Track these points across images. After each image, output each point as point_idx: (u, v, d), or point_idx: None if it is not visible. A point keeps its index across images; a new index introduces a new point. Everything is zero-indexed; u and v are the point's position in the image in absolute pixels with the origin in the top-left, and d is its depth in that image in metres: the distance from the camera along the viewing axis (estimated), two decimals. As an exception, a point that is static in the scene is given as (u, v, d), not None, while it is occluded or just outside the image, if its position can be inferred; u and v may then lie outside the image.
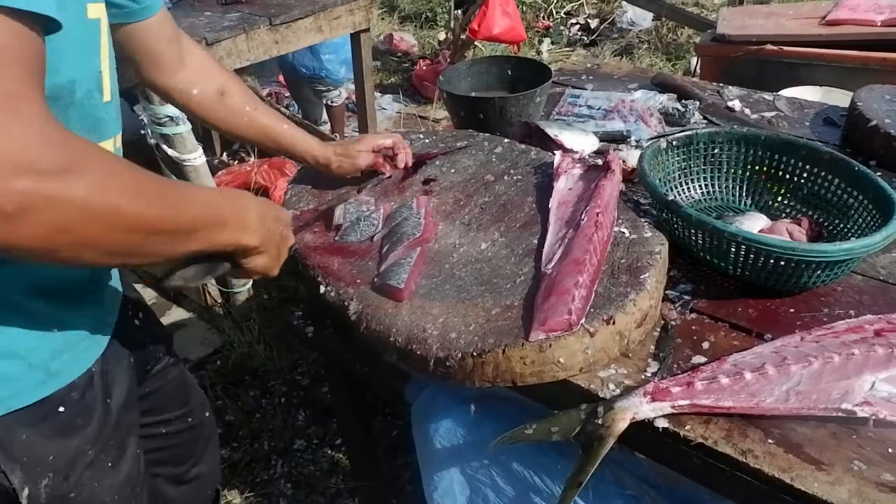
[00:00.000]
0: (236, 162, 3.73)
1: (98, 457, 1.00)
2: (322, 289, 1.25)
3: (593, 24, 5.63)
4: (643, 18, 5.51)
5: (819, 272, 1.14)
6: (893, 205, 1.19)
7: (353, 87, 4.02)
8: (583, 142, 1.61)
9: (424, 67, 4.58)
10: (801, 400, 0.97)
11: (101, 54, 0.90)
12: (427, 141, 1.62)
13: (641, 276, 1.11)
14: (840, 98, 2.21)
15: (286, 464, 2.14)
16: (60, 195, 0.62)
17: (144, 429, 1.22)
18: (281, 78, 4.07)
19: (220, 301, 2.62)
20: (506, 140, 1.57)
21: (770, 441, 0.95)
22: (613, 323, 1.05)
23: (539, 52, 5.16)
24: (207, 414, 1.44)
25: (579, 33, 5.60)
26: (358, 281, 1.23)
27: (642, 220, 1.26)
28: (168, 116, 2.13)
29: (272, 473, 2.11)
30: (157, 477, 1.32)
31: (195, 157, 2.23)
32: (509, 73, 1.90)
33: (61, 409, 0.94)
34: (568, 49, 5.35)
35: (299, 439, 2.21)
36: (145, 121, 2.19)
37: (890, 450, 0.94)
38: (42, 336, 0.91)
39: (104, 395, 1.01)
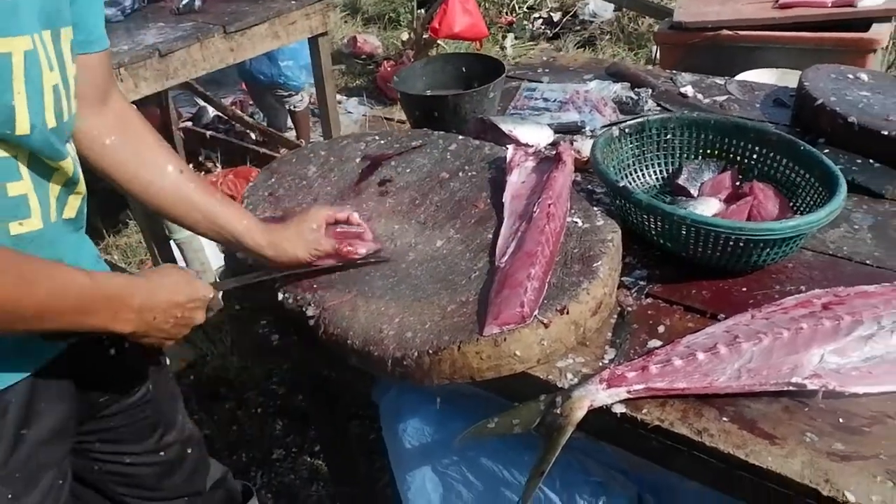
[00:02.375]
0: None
1: None
2: (280, 296, 1.24)
3: (556, 17, 5.66)
4: (604, 10, 5.55)
5: (768, 250, 1.16)
6: (837, 181, 1.21)
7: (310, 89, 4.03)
8: (537, 135, 1.62)
9: (389, 68, 4.58)
10: (752, 377, 0.99)
11: (13, 88, 0.86)
12: (382, 142, 1.62)
13: (594, 265, 1.12)
14: (794, 79, 2.24)
15: (265, 474, 2.14)
16: None
17: (102, 454, 1.24)
18: (244, 86, 4.05)
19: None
20: (460, 137, 1.58)
21: (725, 419, 0.97)
22: (567, 313, 1.06)
23: (503, 48, 5.17)
24: (190, 451, 1.39)
25: (542, 27, 5.62)
26: (315, 286, 1.23)
27: (595, 208, 1.28)
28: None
29: (252, 484, 2.09)
30: (125, 496, 1.32)
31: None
32: (464, 70, 1.91)
33: None
34: (532, 43, 5.38)
35: (278, 449, 2.21)
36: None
37: (840, 420, 0.96)
38: None
39: (18, 426, 0.99)
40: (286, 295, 1.23)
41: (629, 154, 1.47)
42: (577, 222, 1.24)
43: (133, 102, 2.22)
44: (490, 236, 1.26)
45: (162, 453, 1.33)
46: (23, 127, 0.88)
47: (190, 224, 1.19)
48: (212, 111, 4.14)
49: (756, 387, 0.98)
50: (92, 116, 1.07)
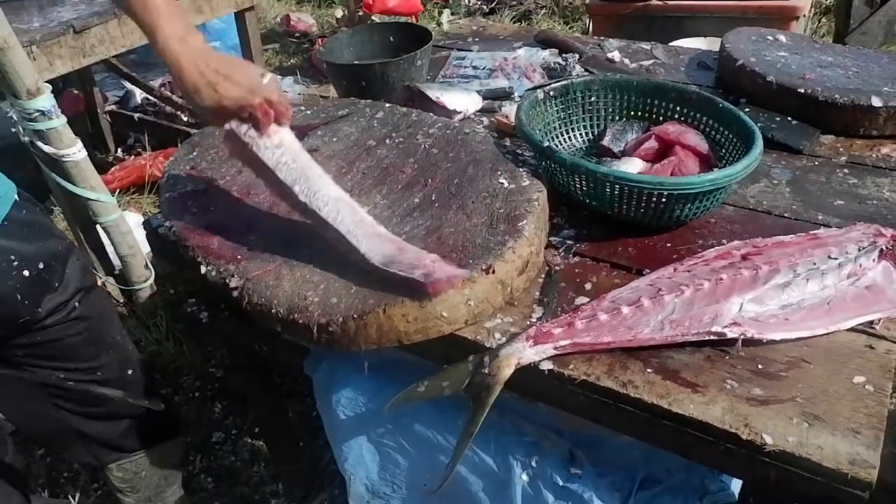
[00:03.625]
0: (131, 157, 3.58)
1: None
2: (203, 269, 1.21)
3: (492, -9, 5.63)
4: (540, -17, 5.53)
5: (689, 205, 1.18)
6: (754, 136, 1.23)
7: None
8: (465, 101, 1.61)
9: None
10: (675, 328, 1.00)
11: None
12: (308, 112, 1.58)
13: (519, 224, 1.12)
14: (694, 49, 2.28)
15: (205, 458, 2.09)
16: None
17: (36, 368, 1.29)
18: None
19: (121, 301, 2.52)
20: (387, 105, 1.55)
21: (649, 370, 0.98)
22: (493, 272, 1.05)
23: (439, 24, 5.12)
24: (130, 372, 1.44)
25: (478, 2, 5.58)
26: (238, 257, 1.19)
27: (521, 170, 1.27)
28: (38, 111, 2.00)
29: (191, 469, 2.05)
30: (61, 409, 1.37)
31: (74, 152, 2.10)
32: (391, 39, 1.87)
33: None
34: (468, 19, 5.33)
35: (217, 432, 2.16)
36: (14, 118, 2.05)
37: (759, 366, 0.98)
38: None
39: None
40: (209, 268, 1.19)
41: (555, 117, 1.47)
42: (503, 183, 1.23)
43: (56, 85, 2.12)
44: (417, 201, 1.24)
45: (98, 373, 1.36)
46: None
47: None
48: (139, 94, 3.98)
49: (679, 337, 1.00)
50: None
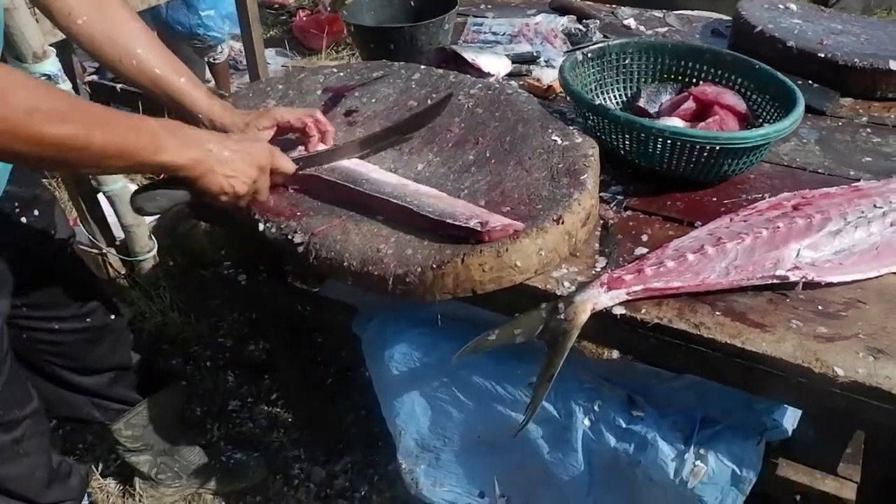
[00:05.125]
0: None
1: None
2: (261, 226, 1.21)
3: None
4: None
5: (738, 160, 1.23)
6: (794, 93, 1.28)
7: (234, 43, 3.85)
8: (497, 64, 1.63)
9: (305, 18, 4.42)
10: (739, 273, 1.05)
11: None
12: (342, 74, 1.58)
13: (581, 177, 1.15)
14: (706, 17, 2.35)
15: (222, 426, 2.09)
16: None
17: (31, 321, 1.34)
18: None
19: (123, 272, 2.48)
20: (422, 67, 1.56)
21: (717, 313, 1.03)
22: (563, 222, 1.08)
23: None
24: (113, 317, 1.50)
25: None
26: (298, 213, 1.20)
27: (570, 127, 1.30)
28: (45, 75, 1.95)
29: (209, 437, 2.05)
30: (53, 365, 1.43)
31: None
32: (412, 3, 1.88)
33: None
34: None
35: (232, 400, 2.16)
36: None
37: (819, 307, 1.03)
38: None
39: None
40: (268, 225, 1.20)
41: (591, 79, 1.50)
42: (556, 140, 1.26)
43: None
44: (471, 157, 1.27)
45: (88, 319, 1.43)
46: None
47: (151, 95, 1.26)
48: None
49: (743, 281, 1.05)
50: None
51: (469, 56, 1.58)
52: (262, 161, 1.09)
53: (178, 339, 2.36)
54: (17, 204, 1.26)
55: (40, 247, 1.32)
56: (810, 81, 1.60)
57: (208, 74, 3.70)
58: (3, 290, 1.20)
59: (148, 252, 2.45)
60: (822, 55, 1.60)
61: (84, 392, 1.51)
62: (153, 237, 2.48)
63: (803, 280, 1.04)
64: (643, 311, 1.04)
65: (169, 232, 2.65)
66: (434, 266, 1.04)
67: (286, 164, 1.15)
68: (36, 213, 1.30)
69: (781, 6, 1.89)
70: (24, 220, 1.28)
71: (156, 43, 1.24)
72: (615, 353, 1.98)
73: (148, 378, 1.62)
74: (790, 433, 1.12)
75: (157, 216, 1.08)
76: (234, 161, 1.04)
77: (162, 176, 1.03)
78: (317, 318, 1.52)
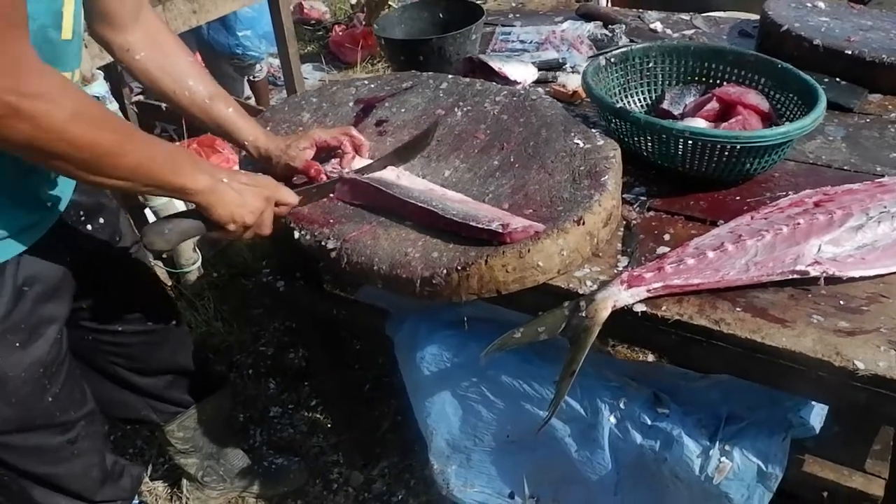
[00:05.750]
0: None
1: (3, 336, 1.14)
2: (296, 234, 1.26)
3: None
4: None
5: (760, 159, 1.24)
6: (817, 92, 1.29)
7: (273, 60, 3.96)
8: (523, 72, 1.67)
9: (340, 33, 4.53)
10: (759, 269, 1.06)
11: None
12: (372, 86, 1.64)
13: (602, 179, 1.18)
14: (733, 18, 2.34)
15: (264, 431, 2.15)
16: (35, 112, 0.85)
17: (96, 323, 1.40)
18: (198, 56, 3.95)
19: (170, 283, 2.58)
20: (450, 76, 1.61)
21: (738, 309, 1.04)
22: (584, 223, 1.11)
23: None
24: (174, 322, 1.56)
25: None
26: (331, 220, 1.25)
27: (593, 130, 1.33)
28: (94, 97, 2.06)
29: (251, 442, 2.12)
30: (115, 366, 1.49)
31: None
32: (440, 16, 1.93)
33: None
34: None
35: (274, 407, 2.22)
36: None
37: (841, 302, 1.04)
38: None
39: (18, 285, 1.14)
40: (303, 232, 1.25)
41: (615, 83, 1.52)
42: (578, 143, 1.29)
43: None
44: (496, 163, 1.30)
45: (149, 323, 1.49)
46: (66, 32, 1.02)
47: (200, 124, 1.34)
48: (163, 84, 4.04)
49: (764, 277, 1.06)
50: (125, 33, 1.23)
51: (495, 64, 1.62)
52: (269, 193, 1.16)
53: (222, 348, 2.44)
54: (82, 212, 1.32)
55: (105, 253, 1.38)
56: (837, 79, 1.60)
57: (248, 91, 3.82)
58: (64, 295, 1.25)
59: (193, 264, 2.54)
60: (850, 52, 1.59)
61: (142, 393, 1.57)
62: (197, 249, 2.57)
63: (824, 275, 1.05)
64: (664, 308, 1.06)
65: (212, 244, 2.75)
66: (459, 268, 1.08)
67: (290, 196, 1.21)
68: (101, 220, 1.36)
69: (809, 4, 1.88)
70: (89, 227, 1.33)
71: (205, 75, 1.33)
72: (650, 357, 1.99)
73: (200, 382, 1.68)
74: (817, 431, 1.12)
75: (166, 249, 1.12)
76: (245, 192, 1.11)
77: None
78: (352, 323, 1.56)
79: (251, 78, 3.69)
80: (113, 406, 1.55)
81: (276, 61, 3.83)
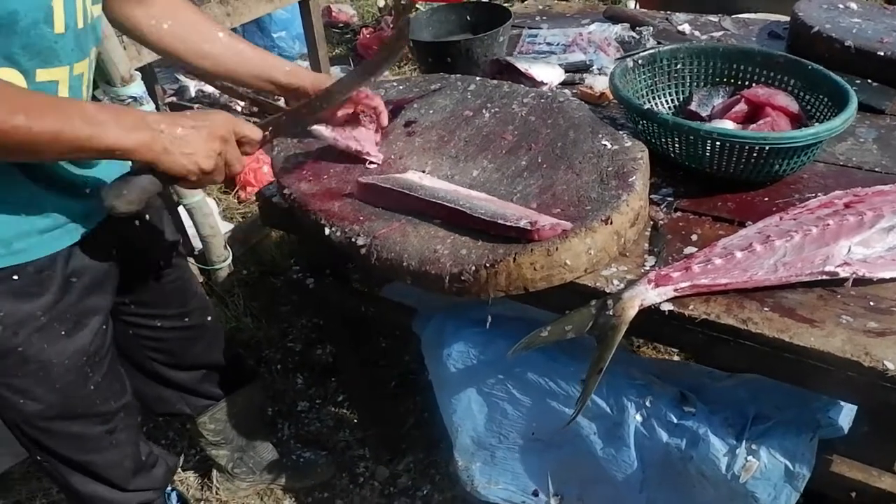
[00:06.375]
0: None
1: (51, 324, 1.17)
2: (327, 230, 1.28)
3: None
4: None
5: (788, 159, 1.24)
6: (847, 93, 1.29)
7: (302, 62, 4.01)
8: (550, 73, 1.68)
9: (368, 35, 4.57)
10: (788, 269, 1.07)
11: None
12: (401, 87, 1.66)
13: (630, 179, 1.19)
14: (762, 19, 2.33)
15: (292, 425, 2.19)
16: None
17: (137, 318, 1.45)
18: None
19: (201, 279, 2.63)
20: (477, 78, 1.62)
21: (766, 309, 1.05)
22: (611, 223, 1.12)
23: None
24: (209, 318, 1.61)
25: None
26: (361, 217, 1.27)
27: (620, 132, 1.34)
28: (131, 97, 2.11)
29: (280, 436, 2.16)
30: (153, 360, 1.54)
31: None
32: (468, 18, 1.95)
33: (15, 277, 1.11)
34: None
35: (301, 401, 2.26)
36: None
37: (871, 303, 1.04)
38: (12, 218, 1.07)
39: (66, 275, 1.17)
40: (333, 229, 1.28)
41: (643, 85, 1.53)
42: (606, 145, 1.30)
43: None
44: (524, 163, 1.32)
45: (186, 318, 1.54)
46: (59, 26, 1.01)
47: (240, 75, 1.36)
48: (193, 86, 4.11)
49: (792, 278, 1.06)
50: (146, 6, 1.28)
51: (522, 66, 1.63)
52: (223, 131, 1.08)
53: (251, 343, 2.48)
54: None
55: (149, 249, 1.43)
56: (869, 80, 1.59)
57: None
58: (108, 286, 1.29)
59: (223, 261, 2.59)
60: (882, 53, 1.58)
61: (176, 387, 1.62)
62: (228, 247, 2.62)
63: (854, 276, 1.05)
64: (691, 307, 1.07)
65: (242, 242, 2.80)
66: (487, 265, 1.10)
67: (251, 130, 1.15)
68: (147, 217, 1.40)
69: (841, 5, 1.87)
70: (136, 222, 1.37)
71: (231, 33, 1.37)
72: (675, 357, 1.99)
73: (232, 376, 1.72)
74: (846, 431, 1.12)
75: (131, 210, 1.06)
76: (190, 137, 1.03)
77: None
78: (379, 319, 1.59)
79: (281, 79, 3.74)
80: (149, 401, 1.59)
81: (305, 63, 3.88)
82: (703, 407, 1.17)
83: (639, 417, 1.21)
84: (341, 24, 5.14)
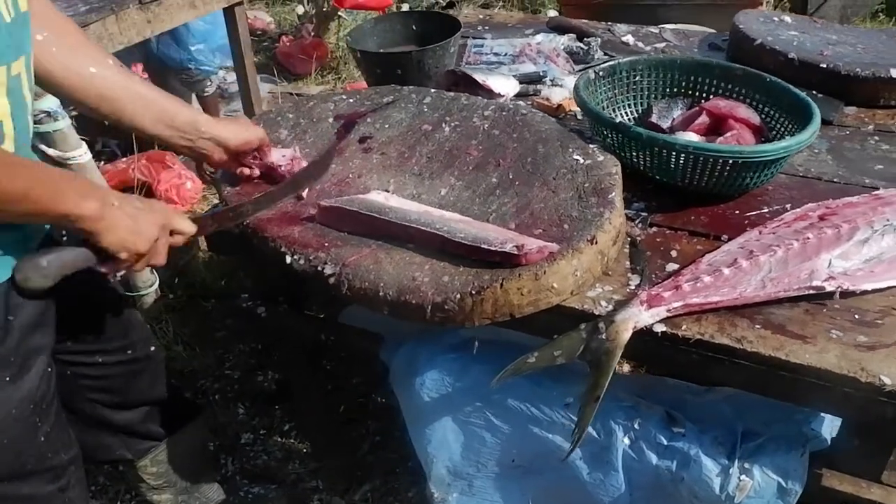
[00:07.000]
0: (102, 162, 3.45)
1: None
2: (289, 259, 1.19)
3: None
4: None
5: (759, 173, 1.24)
6: (809, 106, 1.30)
7: (220, 72, 3.83)
8: (506, 85, 1.64)
9: (288, 44, 4.43)
10: (776, 285, 1.06)
11: None
12: (351, 100, 1.58)
13: (609, 196, 1.16)
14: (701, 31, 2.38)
15: (237, 460, 2.05)
16: None
17: (76, 356, 1.31)
18: (137, 68, 3.78)
19: (125, 308, 2.44)
20: (433, 90, 1.56)
21: (757, 326, 1.03)
22: (596, 242, 1.09)
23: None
24: (153, 349, 1.49)
25: (439, -5, 5.60)
26: (326, 244, 1.19)
27: (590, 146, 1.31)
28: (45, 112, 1.93)
29: (224, 472, 2.01)
30: (94, 402, 1.39)
31: (80, 155, 2.03)
32: (413, 28, 1.89)
33: None
34: (471, 7, 5.33)
35: (245, 433, 2.12)
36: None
37: (856, 316, 1.05)
38: None
39: (4, 314, 1.04)
40: (296, 257, 1.18)
41: (603, 97, 1.51)
42: (578, 159, 1.26)
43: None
44: (494, 180, 1.27)
45: (129, 351, 1.40)
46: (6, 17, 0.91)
47: (130, 114, 1.18)
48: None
49: (781, 293, 1.05)
50: None
51: (480, 77, 1.59)
52: (164, 220, 1.09)
53: (185, 373, 2.32)
54: (64, 236, 1.21)
55: (84, 280, 1.29)
56: (814, 92, 1.62)
57: (197, 106, 3.68)
58: (48, 321, 1.16)
59: (150, 286, 2.41)
60: (825, 66, 1.63)
61: (118, 430, 1.48)
62: (154, 271, 2.44)
63: (839, 289, 1.05)
64: (683, 327, 1.04)
65: (168, 264, 2.62)
66: (473, 292, 1.04)
67: (186, 225, 1.15)
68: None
69: (776, 18, 1.92)
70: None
71: (106, 55, 1.20)
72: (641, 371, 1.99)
73: (173, 413, 1.59)
74: (829, 442, 1.13)
75: (44, 286, 1.03)
76: (139, 218, 1.04)
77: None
78: (339, 347, 1.50)
79: (200, 93, 3.55)
80: (87, 448, 1.44)
81: (224, 74, 3.71)
82: (692, 426, 1.15)
83: (627, 441, 1.17)
84: (259, 32, 4.96)
